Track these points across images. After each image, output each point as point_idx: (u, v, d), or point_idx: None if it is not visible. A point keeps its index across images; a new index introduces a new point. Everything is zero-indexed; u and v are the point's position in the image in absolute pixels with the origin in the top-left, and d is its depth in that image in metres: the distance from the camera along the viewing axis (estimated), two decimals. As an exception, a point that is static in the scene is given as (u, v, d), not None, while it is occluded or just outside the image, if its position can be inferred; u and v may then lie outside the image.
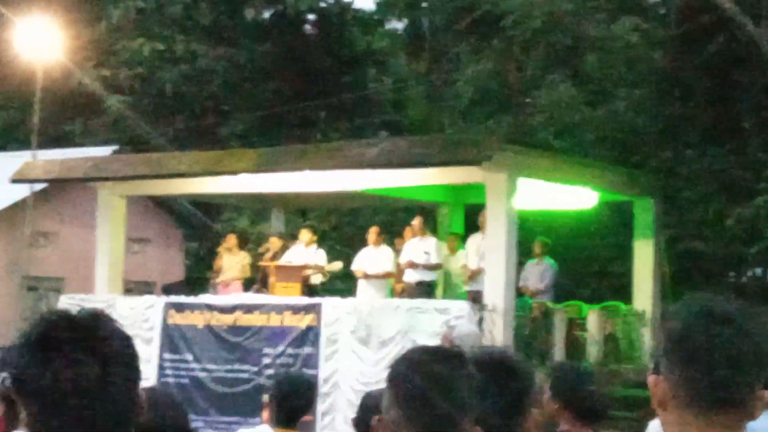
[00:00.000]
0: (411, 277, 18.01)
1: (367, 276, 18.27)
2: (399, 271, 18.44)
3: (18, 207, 24.81)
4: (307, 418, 6.96)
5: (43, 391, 2.21)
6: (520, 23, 22.03)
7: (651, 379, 2.20)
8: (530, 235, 19.03)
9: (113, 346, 2.26)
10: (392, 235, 20.17)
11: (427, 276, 18.02)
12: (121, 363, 2.27)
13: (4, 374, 5.39)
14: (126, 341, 2.30)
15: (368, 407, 5.75)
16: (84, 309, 2.30)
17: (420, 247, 18.03)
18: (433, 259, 17.97)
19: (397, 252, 18.44)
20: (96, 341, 2.24)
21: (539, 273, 18.34)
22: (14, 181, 21.13)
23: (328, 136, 30.74)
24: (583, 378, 5.41)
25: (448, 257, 18.38)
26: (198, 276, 25.97)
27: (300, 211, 27.03)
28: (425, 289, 17.72)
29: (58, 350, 2.21)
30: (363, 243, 19.32)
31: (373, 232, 18.66)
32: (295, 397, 6.44)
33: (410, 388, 2.71)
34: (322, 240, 20.42)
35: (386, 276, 18.43)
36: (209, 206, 29.23)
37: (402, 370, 2.80)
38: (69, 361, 2.20)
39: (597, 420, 5.32)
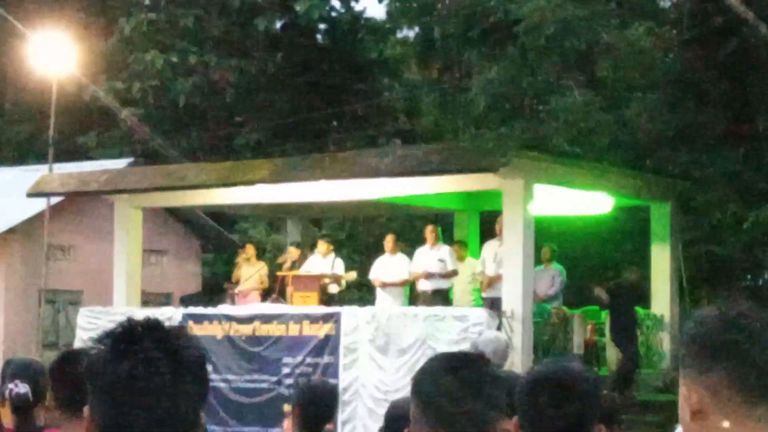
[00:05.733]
0: (427, 285, 18.03)
1: (384, 284, 18.30)
2: (414, 279, 18.44)
3: (35, 220, 24.88)
4: (328, 426, 6.99)
5: (115, 385, 2.26)
6: (533, 30, 22.03)
7: (683, 390, 2.19)
8: (547, 241, 19.03)
9: (190, 356, 2.31)
10: (408, 243, 20.19)
11: (444, 284, 18.05)
12: (194, 374, 2.31)
13: (12, 385, 5.43)
14: (202, 358, 2.35)
15: (395, 416, 5.77)
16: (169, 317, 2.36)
17: (434, 256, 18.06)
18: (449, 267, 18.01)
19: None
20: (174, 346, 2.29)
21: (548, 279, 18.35)
22: (31, 194, 21.20)
23: (342, 145, 30.80)
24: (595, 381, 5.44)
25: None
26: (215, 286, 26.01)
27: (315, 221, 27.07)
28: (442, 297, 17.75)
29: (136, 346, 2.26)
30: (378, 251, 19.35)
31: (389, 240, 18.68)
32: (318, 405, 6.45)
33: (438, 391, 2.69)
34: (338, 249, 20.45)
35: (403, 284, 18.47)
36: (224, 217, 29.30)
37: (427, 376, 2.78)
38: (145, 358, 2.25)
39: (609, 422, 5.34)
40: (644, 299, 19.60)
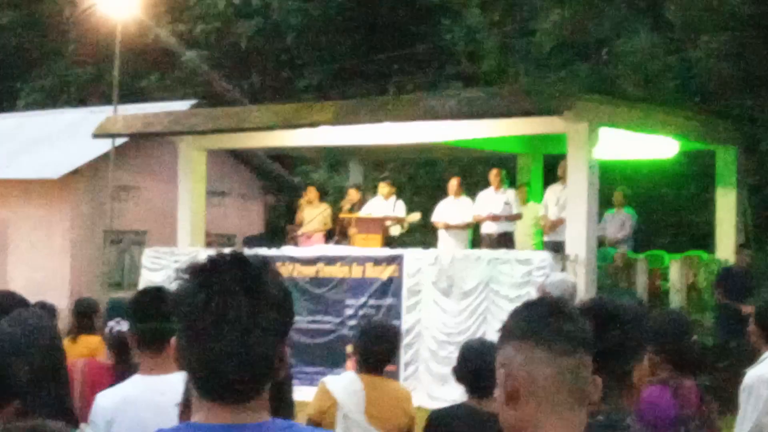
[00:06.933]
0: (492, 228, 18.04)
1: (448, 227, 18.32)
2: (477, 222, 18.45)
3: (100, 162, 25.13)
4: (390, 367, 7.04)
5: (193, 315, 2.29)
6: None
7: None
8: (610, 185, 18.92)
9: (268, 289, 2.33)
10: (469, 186, 20.14)
11: (509, 227, 18.06)
12: (272, 308, 2.34)
13: (112, 323, 5.52)
14: (283, 293, 2.37)
15: (468, 356, 5.82)
16: (257, 255, 2.38)
17: (499, 199, 18.06)
18: (514, 210, 18.03)
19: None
20: (252, 279, 2.31)
21: (619, 223, 18.26)
22: (97, 136, 21.38)
23: (402, 88, 30.67)
24: (685, 328, 5.39)
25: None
26: (277, 228, 26.16)
27: (377, 164, 27.07)
28: (506, 240, 17.74)
29: (216, 278, 2.29)
30: (440, 194, 19.33)
31: (454, 183, 18.68)
32: (381, 344, 6.51)
33: (540, 323, 2.64)
34: (399, 192, 20.46)
35: (467, 226, 18.48)
36: (286, 159, 29.37)
37: (521, 316, 2.74)
38: (222, 290, 2.28)
39: (698, 369, 5.30)
40: (707, 244, 19.47)
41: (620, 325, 3.38)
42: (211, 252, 2.41)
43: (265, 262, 2.38)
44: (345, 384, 6.47)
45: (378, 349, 6.51)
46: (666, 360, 5.22)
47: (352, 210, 19.30)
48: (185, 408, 3.52)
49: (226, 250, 2.41)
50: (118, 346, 5.26)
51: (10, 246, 26.22)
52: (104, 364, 5.78)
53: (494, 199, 18.07)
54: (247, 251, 2.44)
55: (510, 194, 18.19)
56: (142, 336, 4.55)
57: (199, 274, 2.33)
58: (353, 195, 19.92)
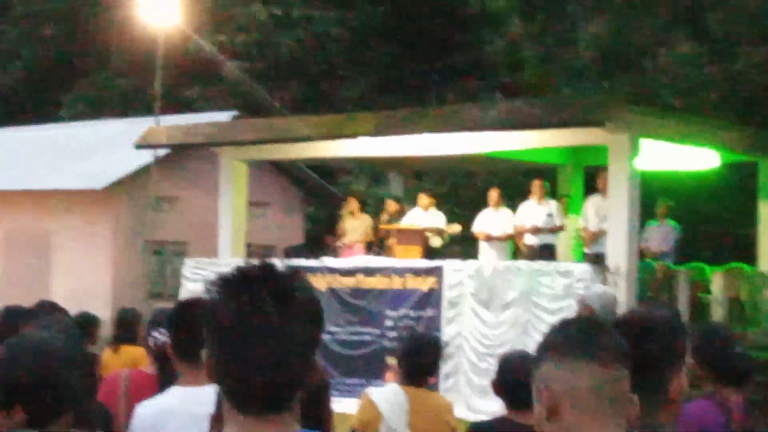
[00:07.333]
0: (533, 240, 17.97)
1: (489, 238, 18.28)
2: (518, 233, 18.41)
3: (142, 173, 25.27)
4: (430, 379, 7.03)
5: (225, 326, 2.29)
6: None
7: None
8: (651, 197, 18.81)
9: (300, 299, 2.33)
10: (509, 197, 20.10)
11: (551, 239, 17.99)
12: (303, 318, 2.34)
13: (156, 333, 5.53)
14: (314, 302, 2.37)
15: (507, 368, 5.79)
16: (287, 264, 2.39)
17: (541, 210, 17.98)
18: (557, 222, 17.95)
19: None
20: (285, 290, 2.31)
21: (662, 235, 18.13)
22: (138, 146, 21.50)
23: (443, 98, 30.68)
24: (729, 340, 5.32)
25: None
26: (318, 239, 26.20)
27: (417, 174, 27.06)
28: (548, 252, 17.67)
29: (245, 288, 2.30)
30: (480, 206, 19.29)
31: (494, 194, 18.64)
32: (424, 356, 6.52)
33: (579, 338, 2.65)
34: (439, 203, 20.45)
35: (507, 238, 18.43)
36: (326, 170, 29.43)
37: (559, 332, 2.74)
38: (252, 299, 2.28)
39: (743, 382, 5.23)
40: (749, 256, 19.32)
41: (655, 337, 3.35)
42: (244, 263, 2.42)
43: (295, 272, 2.38)
44: (388, 396, 6.47)
45: (421, 361, 6.52)
46: (711, 374, 5.16)
47: (390, 221, 19.29)
48: (216, 421, 3.53)
49: (255, 261, 2.41)
50: (161, 356, 5.28)
51: (52, 256, 26.42)
52: (148, 375, 5.80)
53: (537, 211, 18.00)
54: (279, 262, 2.42)
55: (553, 206, 18.11)
56: (181, 347, 4.57)
57: (230, 285, 2.33)
58: (391, 206, 19.93)
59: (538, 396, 2.63)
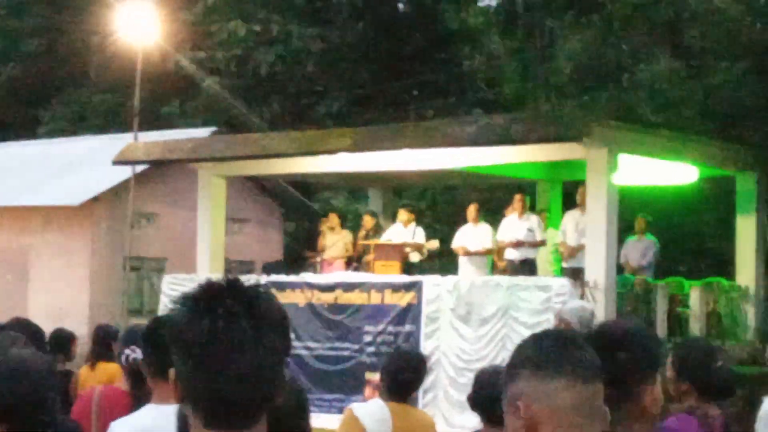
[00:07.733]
0: (514, 254, 17.99)
1: (468, 253, 18.30)
2: (499, 249, 18.44)
3: (120, 189, 25.20)
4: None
5: (196, 343, 2.27)
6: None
7: None
8: (629, 212, 18.87)
9: (271, 314, 2.32)
10: (488, 212, 20.13)
11: (531, 253, 18.03)
12: (275, 332, 2.33)
13: (128, 350, 5.51)
14: (283, 316, 2.37)
15: (483, 383, 5.78)
16: (251, 280, 2.38)
17: (522, 225, 18.02)
18: (538, 236, 17.98)
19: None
20: (254, 302, 2.30)
21: (641, 250, 18.19)
22: (117, 163, 21.44)
23: (422, 114, 30.72)
24: (710, 354, 5.30)
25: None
26: (297, 255, 26.17)
27: (397, 190, 27.08)
28: (529, 267, 17.70)
29: (216, 303, 2.28)
30: (460, 221, 19.32)
31: (472, 209, 18.68)
32: (408, 372, 6.51)
33: (554, 353, 2.62)
34: (419, 218, 20.46)
35: (486, 253, 18.46)
36: (305, 186, 29.42)
37: (532, 347, 2.70)
38: (225, 313, 2.27)
39: (724, 396, 5.20)
40: (727, 270, 19.38)
41: (627, 348, 3.34)
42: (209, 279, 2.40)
43: (260, 286, 2.38)
44: (373, 411, 6.46)
45: (405, 377, 6.51)
46: (691, 388, 5.15)
47: (367, 237, 19.29)
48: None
49: (217, 277, 2.40)
50: (134, 373, 5.25)
51: (30, 272, 26.31)
52: (121, 392, 5.77)
53: (518, 225, 18.04)
54: (257, 277, 2.39)
55: (533, 220, 18.16)
56: (154, 364, 4.54)
57: (197, 301, 2.32)
58: (368, 222, 19.93)
59: (512, 411, 2.60)
